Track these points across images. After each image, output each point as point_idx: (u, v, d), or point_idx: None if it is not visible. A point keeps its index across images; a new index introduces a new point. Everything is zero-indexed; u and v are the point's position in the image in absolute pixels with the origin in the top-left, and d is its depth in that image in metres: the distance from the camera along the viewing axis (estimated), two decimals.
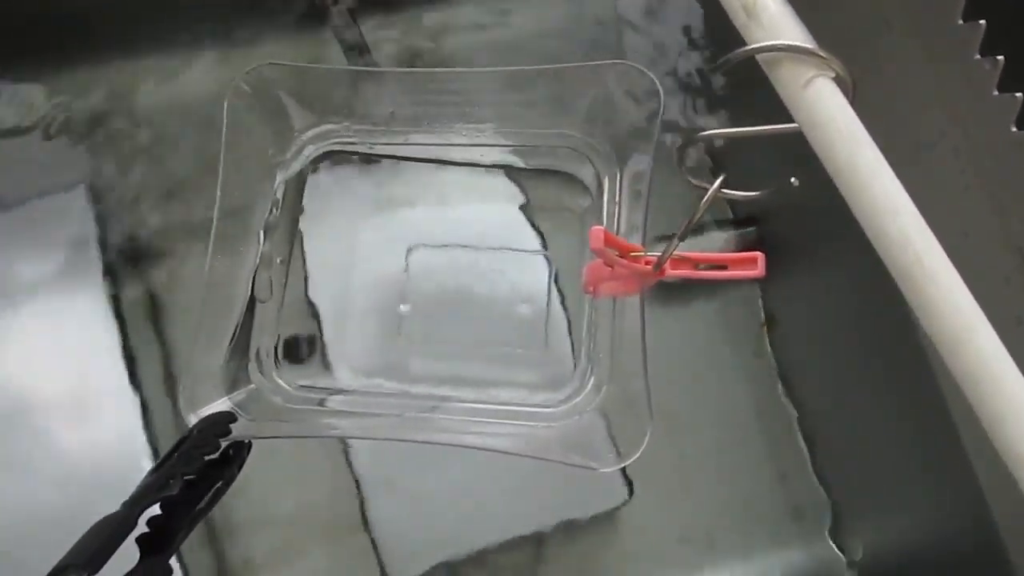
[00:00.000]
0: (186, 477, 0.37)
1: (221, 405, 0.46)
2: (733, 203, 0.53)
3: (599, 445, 0.44)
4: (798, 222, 0.51)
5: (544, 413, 0.48)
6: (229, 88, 0.47)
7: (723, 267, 0.49)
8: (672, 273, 0.47)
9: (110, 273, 0.54)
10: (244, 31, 0.58)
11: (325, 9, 0.56)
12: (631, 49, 0.57)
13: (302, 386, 0.51)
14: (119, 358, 0.52)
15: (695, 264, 0.49)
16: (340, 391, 0.51)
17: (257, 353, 0.50)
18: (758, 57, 0.30)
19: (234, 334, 0.49)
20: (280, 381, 0.51)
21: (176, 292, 0.54)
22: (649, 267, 0.43)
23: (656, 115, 0.46)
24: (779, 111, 0.34)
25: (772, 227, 0.52)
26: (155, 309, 0.53)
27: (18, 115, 0.56)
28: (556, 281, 0.52)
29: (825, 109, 0.28)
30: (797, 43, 0.28)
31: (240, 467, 0.41)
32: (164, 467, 0.37)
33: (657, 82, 0.45)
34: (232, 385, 0.48)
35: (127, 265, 0.54)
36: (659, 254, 0.42)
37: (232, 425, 0.43)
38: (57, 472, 0.51)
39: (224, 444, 0.40)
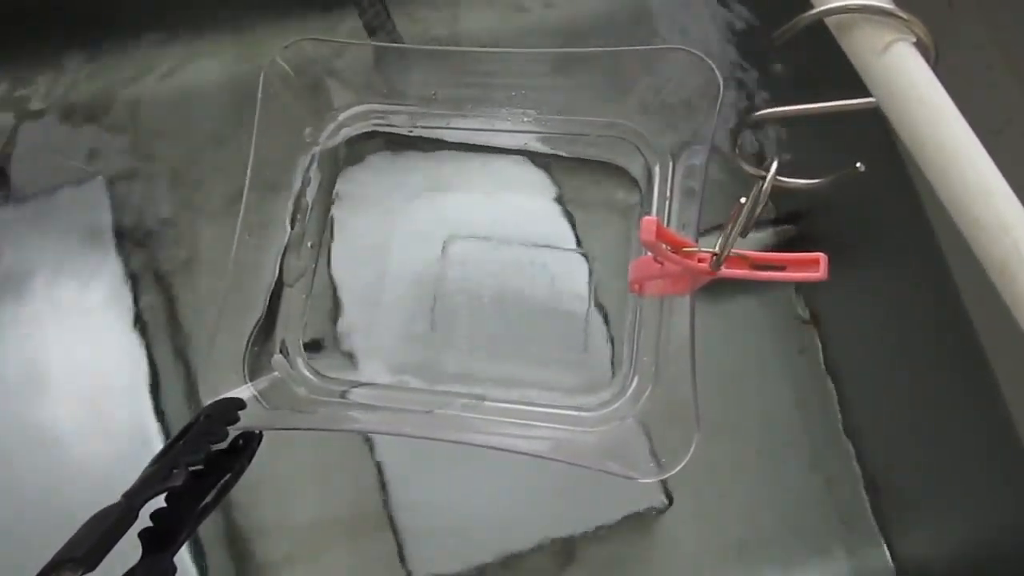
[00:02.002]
0: (191, 467, 0.34)
1: (243, 393, 0.44)
2: (774, 199, 0.50)
3: (639, 454, 0.42)
4: (840, 218, 0.49)
5: (582, 417, 0.46)
6: (266, 63, 0.46)
7: (782, 268, 0.46)
8: (727, 273, 0.44)
9: (127, 262, 0.53)
10: (267, 15, 0.57)
11: None
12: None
13: (328, 378, 0.49)
14: (136, 346, 0.51)
15: (752, 264, 0.46)
16: (368, 385, 0.49)
17: (282, 340, 0.49)
18: (827, 21, 0.27)
19: (259, 319, 0.47)
20: (305, 371, 0.49)
21: (193, 280, 0.52)
22: (703, 264, 0.40)
23: (714, 105, 0.43)
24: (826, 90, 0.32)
25: (812, 224, 0.49)
26: (172, 299, 0.52)
27: (36, 102, 0.56)
28: (599, 282, 0.50)
29: (906, 77, 0.25)
30: (874, 3, 0.25)
31: (250, 458, 0.39)
32: (167, 456, 0.35)
33: (716, 70, 0.43)
34: (255, 372, 0.46)
35: (144, 254, 0.53)
36: (714, 251, 0.39)
37: (249, 414, 0.40)
38: (70, 463, 0.49)
39: (233, 434, 0.38)
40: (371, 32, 0.55)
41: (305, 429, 0.47)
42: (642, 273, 0.44)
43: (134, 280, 0.52)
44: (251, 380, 0.45)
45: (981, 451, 0.40)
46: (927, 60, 0.25)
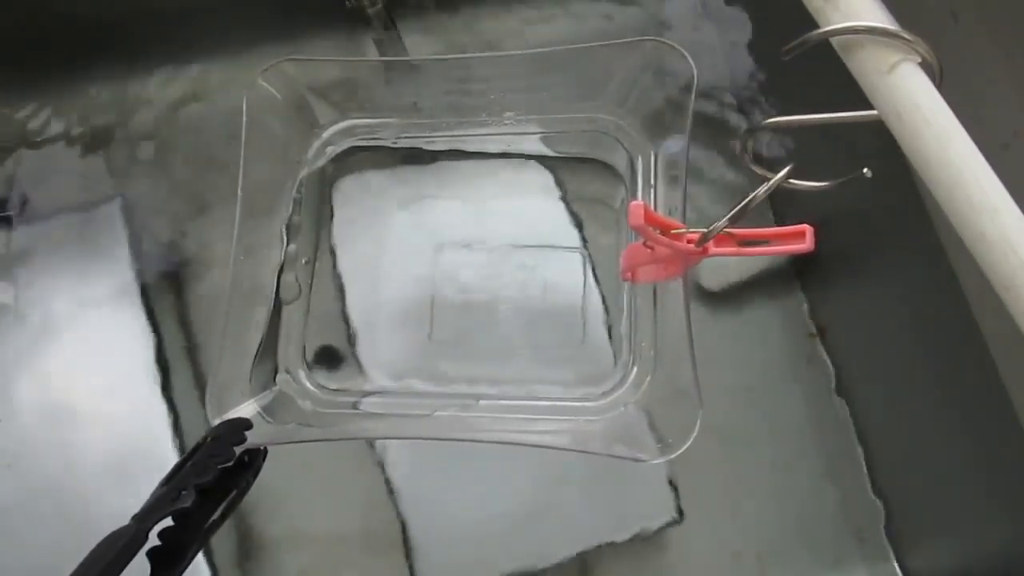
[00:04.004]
0: (199, 487, 0.36)
1: (248, 409, 0.44)
2: (782, 212, 0.51)
3: (645, 437, 0.43)
4: (845, 229, 0.49)
5: (586, 407, 0.47)
6: (249, 85, 0.46)
7: (768, 243, 0.47)
8: (716, 251, 0.46)
9: (144, 283, 0.53)
10: (281, 39, 0.56)
11: (362, 11, 0.54)
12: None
13: (332, 389, 0.49)
14: (152, 368, 0.51)
15: (739, 241, 0.48)
16: (371, 393, 0.49)
17: (285, 357, 0.49)
18: (833, 41, 0.28)
19: (261, 337, 0.47)
20: (309, 385, 0.49)
21: (210, 301, 0.52)
22: (692, 245, 0.41)
23: (689, 93, 0.43)
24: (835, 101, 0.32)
25: (821, 236, 0.48)
26: (189, 319, 0.52)
27: (54, 126, 0.56)
28: (591, 274, 0.51)
29: (911, 97, 0.26)
30: (879, 24, 0.27)
31: (255, 475, 0.40)
32: (176, 478, 0.36)
33: (690, 58, 0.43)
34: (260, 389, 0.46)
35: (161, 275, 0.53)
36: (703, 230, 0.40)
37: (256, 431, 0.41)
38: (90, 482, 0.50)
39: (239, 452, 0.39)
40: (381, 50, 0.55)
41: (312, 441, 0.47)
42: (633, 260, 0.45)
43: (150, 301, 0.52)
44: (257, 397, 0.46)
45: (993, 465, 0.41)
46: (932, 79, 0.26)
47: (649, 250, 0.43)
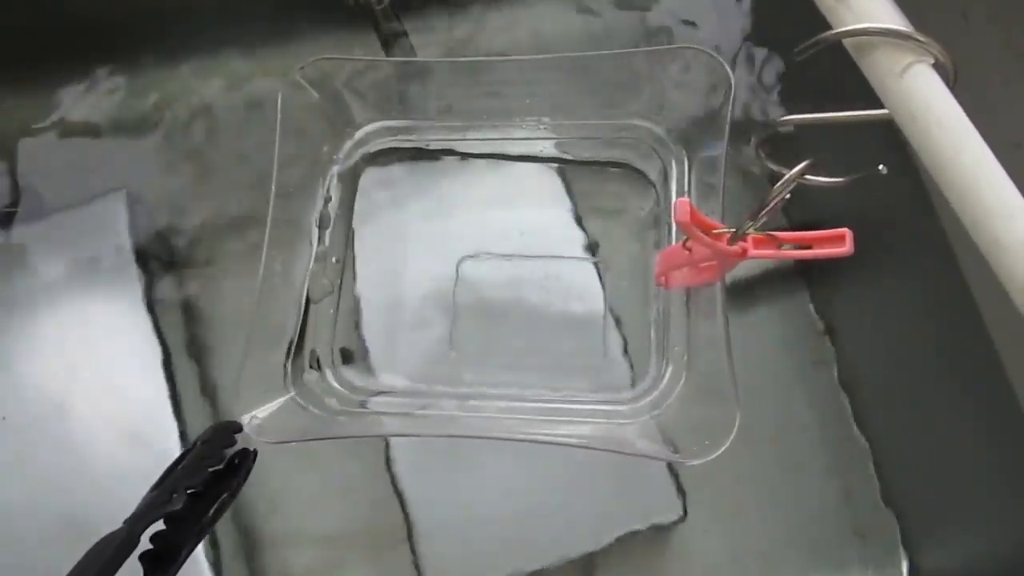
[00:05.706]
0: (190, 491, 0.36)
1: (274, 407, 0.45)
2: (788, 211, 0.50)
3: (681, 439, 0.42)
4: (854, 229, 0.48)
5: (618, 411, 0.47)
6: (284, 82, 0.46)
7: (808, 246, 0.47)
8: (756, 254, 0.45)
9: (148, 279, 0.53)
10: (290, 34, 0.57)
11: (369, 9, 0.54)
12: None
13: (355, 388, 0.49)
14: (157, 364, 0.52)
15: (779, 243, 0.47)
16: (393, 394, 0.49)
17: (311, 355, 0.49)
18: (846, 42, 0.28)
19: (291, 334, 0.48)
20: (335, 383, 0.49)
21: (214, 298, 0.53)
22: (735, 247, 0.41)
23: (727, 101, 0.43)
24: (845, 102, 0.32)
25: None
26: (192, 315, 0.52)
27: (59, 119, 0.57)
28: (615, 283, 0.50)
29: (924, 99, 0.26)
30: (893, 26, 0.26)
31: (246, 477, 0.40)
32: (167, 481, 0.37)
33: (727, 66, 0.43)
34: (287, 386, 0.47)
35: (165, 271, 0.53)
36: (736, 229, 0.39)
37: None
38: (92, 479, 0.50)
39: (229, 454, 0.40)
40: (387, 47, 0.56)
41: (339, 438, 0.48)
42: (670, 263, 0.45)
43: (155, 294, 0.53)
44: (283, 396, 0.46)
45: (1000, 465, 0.40)
46: (946, 81, 0.26)
47: (687, 252, 0.43)
